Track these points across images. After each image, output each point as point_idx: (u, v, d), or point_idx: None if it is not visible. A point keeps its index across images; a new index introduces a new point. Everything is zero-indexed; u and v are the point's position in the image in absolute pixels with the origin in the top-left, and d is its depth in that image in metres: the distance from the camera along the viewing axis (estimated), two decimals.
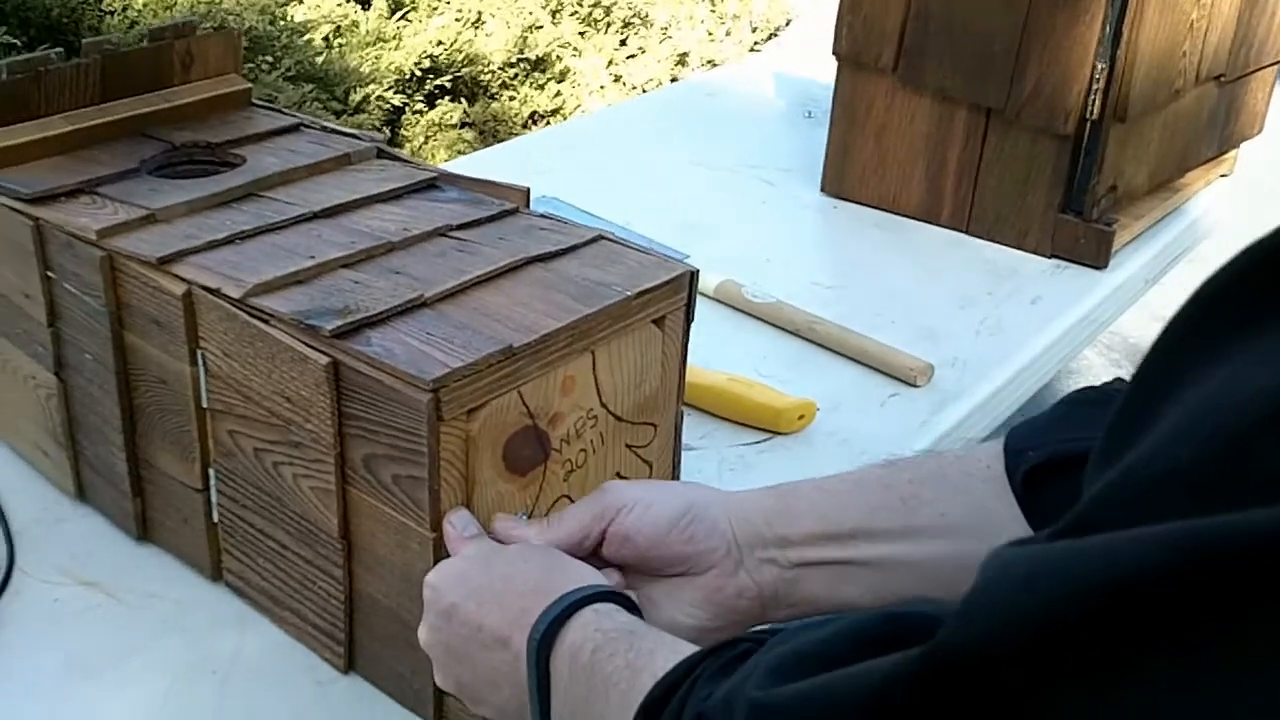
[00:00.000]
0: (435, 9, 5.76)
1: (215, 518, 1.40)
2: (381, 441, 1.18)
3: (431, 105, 5.49)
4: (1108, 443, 0.66)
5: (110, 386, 1.41)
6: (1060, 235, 2.26)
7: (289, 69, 4.86)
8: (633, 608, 1.04)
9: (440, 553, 1.17)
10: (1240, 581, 0.52)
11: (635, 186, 2.51)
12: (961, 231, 2.35)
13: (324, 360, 1.18)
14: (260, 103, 1.70)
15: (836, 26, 2.37)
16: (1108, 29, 2.08)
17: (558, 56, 6.11)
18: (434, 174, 1.53)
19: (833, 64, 2.42)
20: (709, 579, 1.14)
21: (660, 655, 0.93)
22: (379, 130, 4.70)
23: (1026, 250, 2.29)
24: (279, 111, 1.69)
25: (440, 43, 5.54)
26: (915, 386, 1.86)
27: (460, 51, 5.60)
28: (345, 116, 4.99)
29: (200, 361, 1.32)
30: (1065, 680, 0.57)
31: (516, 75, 5.92)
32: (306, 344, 1.20)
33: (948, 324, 2.05)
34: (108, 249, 1.34)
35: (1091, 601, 0.56)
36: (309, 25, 5.19)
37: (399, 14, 5.63)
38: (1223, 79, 2.42)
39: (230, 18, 4.81)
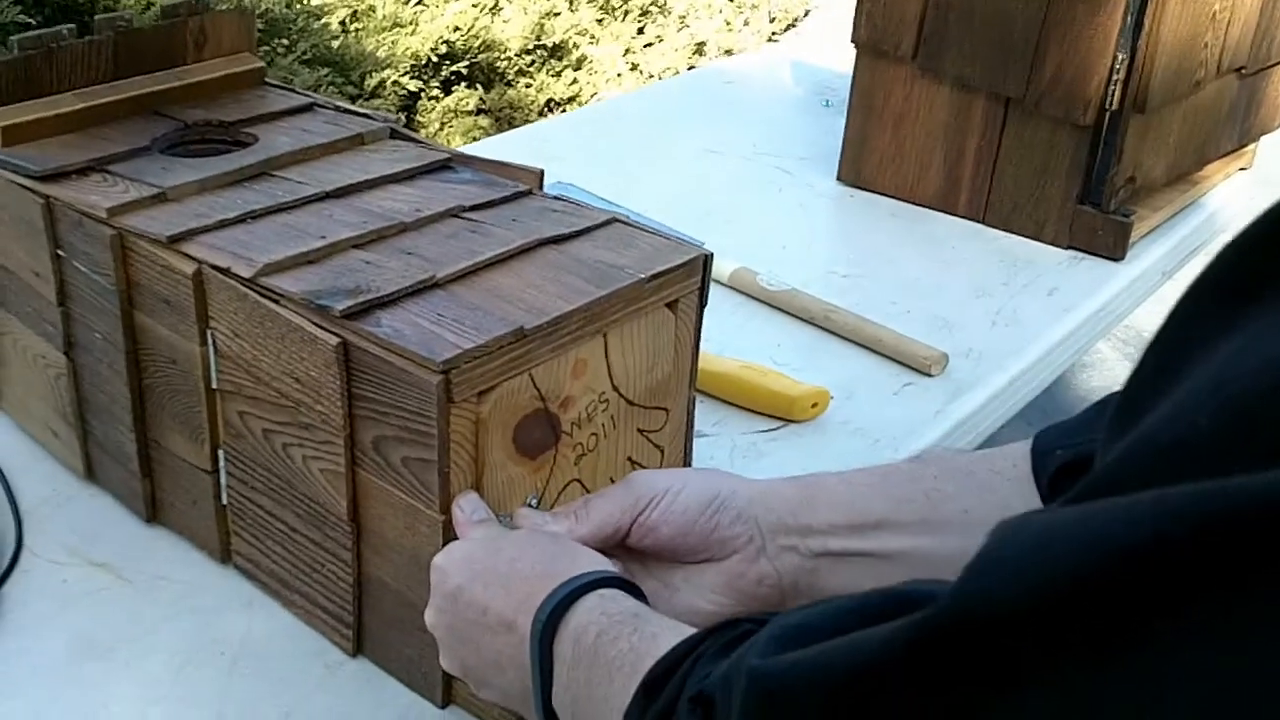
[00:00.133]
0: None
1: (224, 499, 1.40)
2: (391, 423, 1.17)
3: (448, 91, 5.48)
4: (1121, 414, 0.66)
5: (120, 366, 1.40)
6: (1078, 226, 2.24)
7: (305, 52, 4.85)
8: (637, 593, 1.03)
9: (449, 536, 1.17)
10: (1251, 543, 0.52)
11: (651, 173, 2.50)
12: (978, 221, 2.33)
13: (334, 341, 1.17)
14: (273, 82, 1.69)
15: (855, 14, 2.36)
16: (1129, 19, 2.06)
17: (575, 44, 6.10)
18: (447, 155, 1.52)
19: (851, 53, 2.40)
20: (731, 564, 1.13)
21: (663, 638, 0.92)
22: (395, 115, 4.69)
23: (1044, 241, 2.28)
24: (292, 91, 1.68)
25: (457, 28, 5.53)
26: (930, 376, 1.85)
27: (477, 37, 5.59)
28: (361, 101, 4.98)
29: (210, 341, 1.31)
30: (1072, 644, 0.57)
31: (533, 62, 5.91)
32: (317, 324, 1.19)
33: (963, 314, 2.04)
34: (118, 227, 1.34)
35: (1102, 564, 0.56)
36: (325, 9, 5.18)
37: None
38: (1243, 71, 2.41)
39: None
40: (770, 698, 0.72)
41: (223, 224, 1.34)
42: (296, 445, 1.27)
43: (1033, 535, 0.60)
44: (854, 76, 2.41)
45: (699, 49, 6.65)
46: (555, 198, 1.46)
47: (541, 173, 1.49)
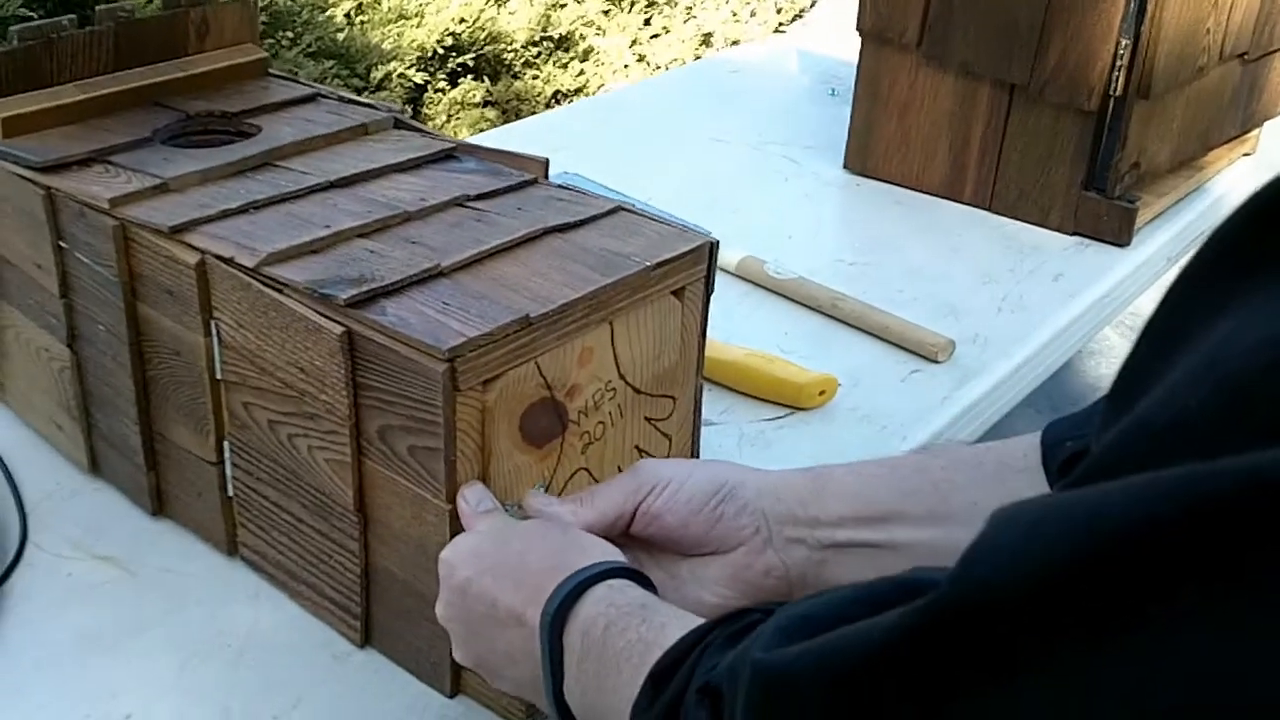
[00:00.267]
0: None
1: (230, 491, 1.39)
2: (397, 412, 1.17)
3: (454, 84, 5.47)
4: (1116, 397, 0.67)
5: (123, 358, 1.40)
6: (1083, 212, 2.24)
7: (309, 45, 4.84)
8: (646, 583, 1.03)
9: (456, 525, 1.16)
10: (1244, 523, 0.52)
11: (657, 163, 2.50)
12: (984, 209, 2.33)
13: (338, 330, 1.17)
14: (276, 73, 1.69)
15: (860, 2, 2.35)
16: (1132, 5, 2.06)
17: (581, 35, 6.09)
18: (451, 144, 1.52)
19: (857, 42, 2.40)
20: (736, 556, 1.13)
21: (672, 629, 0.92)
22: (400, 107, 4.69)
23: (1049, 227, 2.27)
24: (295, 81, 1.68)
25: (463, 20, 5.52)
26: (937, 362, 1.85)
27: (483, 29, 5.58)
28: (367, 94, 4.96)
29: (214, 332, 1.31)
30: (1067, 628, 0.57)
31: (540, 54, 5.90)
32: (321, 313, 1.19)
33: (969, 300, 2.04)
34: (120, 218, 1.33)
35: (1095, 548, 0.56)
36: (330, 1, 5.18)
37: None
38: (1246, 57, 2.41)
39: None
40: (774, 690, 0.72)
41: (225, 214, 1.33)
42: (302, 436, 1.27)
43: (1028, 520, 0.60)
44: (859, 65, 2.41)
45: (706, 40, 6.64)
46: (560, 186, 1.45)
47: (546, 162, 1.49)
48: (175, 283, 1.31)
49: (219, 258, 1.27)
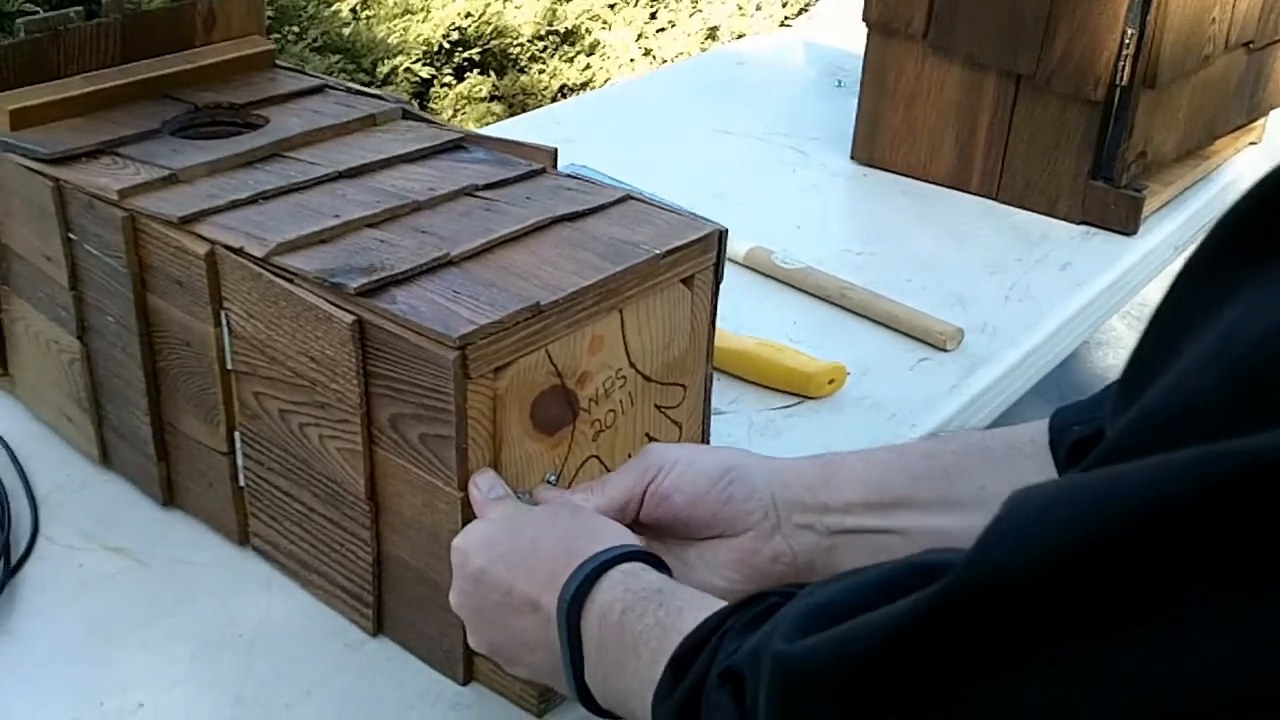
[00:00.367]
0: None
1: (241, 481, 1.39)
2: (408, 400, 1.17)
3: (460, 78, 5.47)
4: (1127, 385, 0.67)
5: (133, 349, 1.40)
6: (1090, 202, 2.24)
7: (315, 40, 4.84)
8: (661, 566, 1.03)
9: (468, 513, 1.16)
10: (1255, 504, 0.52)
11: (664, 155, 2.49)
12: (991, 199, 2.33)
13: (349, 319, 1.17)
14: (284, 64, 1.69)
15: None
16: None
17: (587, 29, 6.08)
18: (460, 135, 1.52)
19: (863, 33, 2.40)
20: (744, 541, 1.13)
21: (689, 612, 0.93)
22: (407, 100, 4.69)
23: (1056, 217, 2.27)
24: (302, 73, 1.68)
25: (469, 14, 5.51)
26: (945, 351, 1.85)
27: (489, 23, 5.58)
28: (373, 88, 4.97)
29: (224, 322, 1.31)
30: (1081, 612, 0.57)
31: (546, 48, 5.90)
32: (331, 302, 1.19)
33: (977, 290, 2.04)
34: (129, 209, 1.33)
35: (1108, 529, 0.56)
36: None
37: None
38: (1252, 46, 2.40)
39: None
40: (795, 682, 0.73)
41: (235, 204, 1.34)
42: (313, 425, 1.27)
43: (1040, 504, 0.60)
44: (865, 55, 2.41)
45: (711, 34, 6.64)
46: (569, 176, 1.45)
47: (555, 151, 1.49)
48: (185, 273, 1.31)
49: (229, 248, 1.27)
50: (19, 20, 1.48)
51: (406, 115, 1.58)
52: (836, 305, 1.95)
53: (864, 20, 2.37)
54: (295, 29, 4.82)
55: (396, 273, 1.20)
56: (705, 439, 1.43)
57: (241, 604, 1.37)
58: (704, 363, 1.38)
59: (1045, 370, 1.95)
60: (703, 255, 1.32)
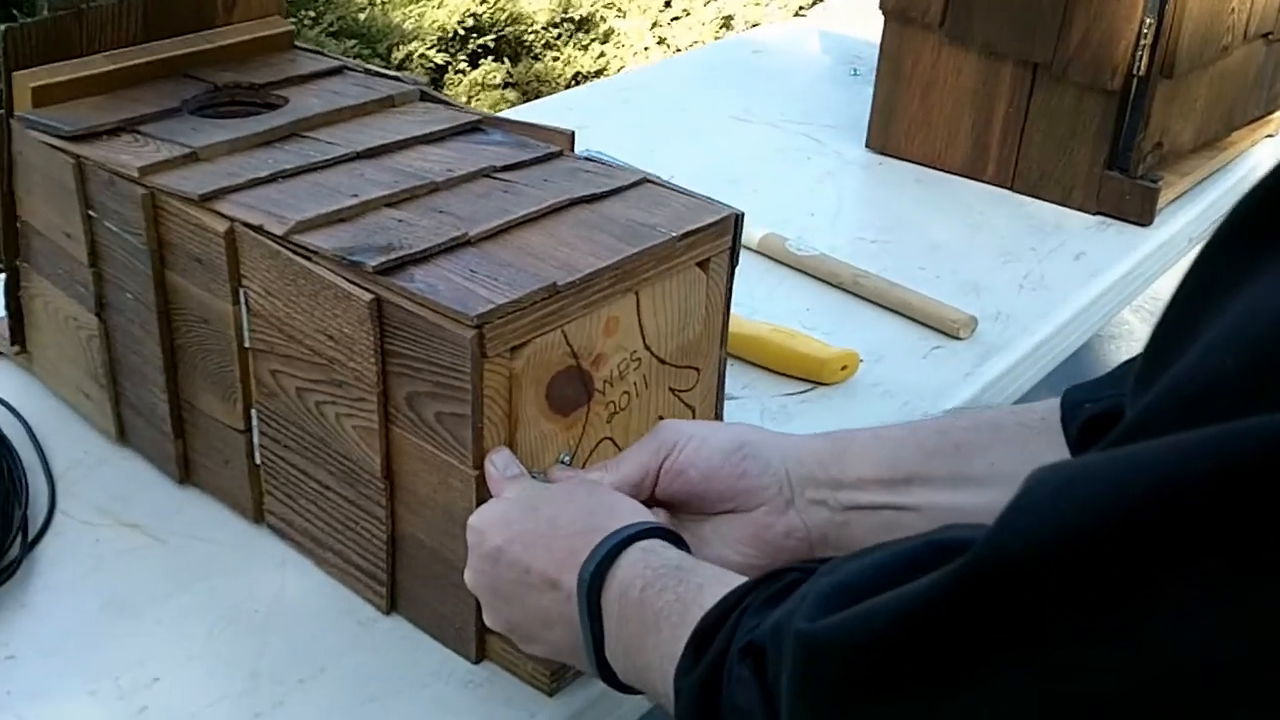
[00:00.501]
0: None
1: (257, 459, 1.40)
2: (425, 379, 1.17)
3: (474, 65, 5.47)
4: (1147, 366, 0.67)
5: (152, 326, 1.41)
6: (1105, 192, 2.24)
7: (331, 24, 4.85)
8: (679, 542, 1.04)
9: (483, 492, 1.17)
10: (1269, 481, 0.52)
11: (679, 142, 2.50)
12: (1006, 188, 2.33)
13: (367, 297, 1.17)
14: (303, 45, 1.69)
15: None
16: None
17: (602, 17, 6.08)
18: (478, 117, 1.52)
19: (879, 23, 2.40)
20: (758, 516, 1.14)
21: (709, 588, 0.93)
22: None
23: (1071, 207, 2.27)
24: (321, 54, 1.68)
25: (484, 1, 5.51)
26: (958, 339, 1.85)
27: (504, 10, 5.58)
28: None
29: (242, 300, 1.32)
30: (1093, 588, 0.57)
31: (560, 35, 5.90)
32: (349, 280, 1.20)
33: (991, 278, 2.04)
34: (149, 186, 1.34)
35: (1126, 507, 0.57)
36: None
37: None
38: (1270, 37, 2.40)
39: None
40: (820, 660, 0.73)
41: (254, 183, 1.34)
42: (330, 403, 1.27)
43: (1058, 482, 0.61)
44: (882, 44, 2.41)
45: (726, 23, 6.63)
46: (586, 159, 1.46)
47: (572, 134, 1.50)
48: (204, 250, 1.32)
49: (248, 225, 1.28)
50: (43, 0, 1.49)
51: (425, 97, 1.59)
52: (850, 292, 1.96)
53: (880, 8, 2.37)
54: (311, 14, 4.82)
55: (414, 252, 1.21)
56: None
57: (256, 581, 1.37)
58: (718, 347, 1.38)
59: (1058, 360, 1.96)
60: (719, 239, 1.32)
